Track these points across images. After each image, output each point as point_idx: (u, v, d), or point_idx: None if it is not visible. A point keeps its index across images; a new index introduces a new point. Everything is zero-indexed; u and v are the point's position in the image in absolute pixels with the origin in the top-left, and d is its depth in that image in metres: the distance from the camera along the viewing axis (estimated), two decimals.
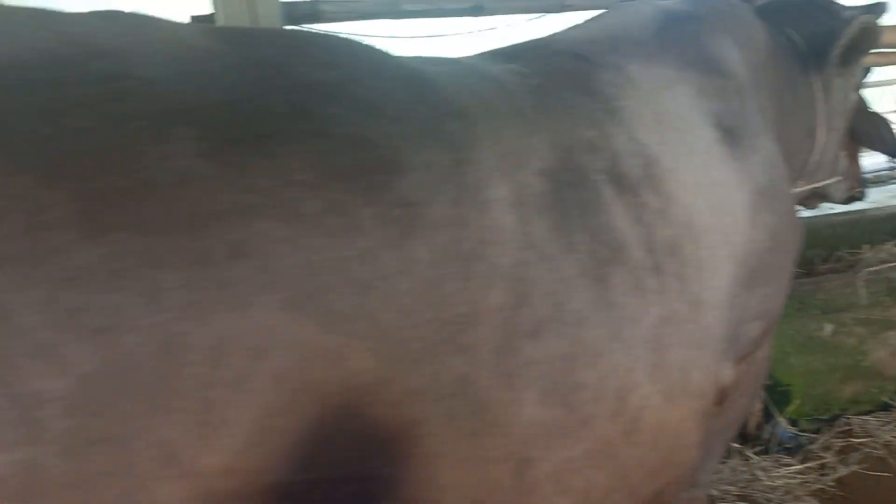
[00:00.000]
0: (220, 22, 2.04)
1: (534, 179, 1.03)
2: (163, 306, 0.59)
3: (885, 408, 3.16)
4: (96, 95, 0.64)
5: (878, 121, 2.30)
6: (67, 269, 0.56)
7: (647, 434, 1.05)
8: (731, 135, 1.55)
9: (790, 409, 3.06)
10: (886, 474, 2.78)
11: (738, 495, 2.72)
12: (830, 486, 2.74)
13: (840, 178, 2.16)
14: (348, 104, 0.82)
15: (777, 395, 3.06)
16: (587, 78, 1.40)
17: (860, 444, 2.95)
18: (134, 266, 0.59)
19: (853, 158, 2.33)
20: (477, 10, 2.30)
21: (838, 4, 2.03)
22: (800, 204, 2.17)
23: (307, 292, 0.65)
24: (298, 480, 0.61)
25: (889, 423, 3.06)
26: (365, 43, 0.99)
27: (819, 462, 2.87)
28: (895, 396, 3.18)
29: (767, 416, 3.05)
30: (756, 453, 2.93)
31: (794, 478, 2.80)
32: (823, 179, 2.07)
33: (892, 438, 2.95)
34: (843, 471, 2.81)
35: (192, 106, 0.68)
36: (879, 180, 5.06)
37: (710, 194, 1.39)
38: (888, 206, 3.81)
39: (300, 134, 0.74)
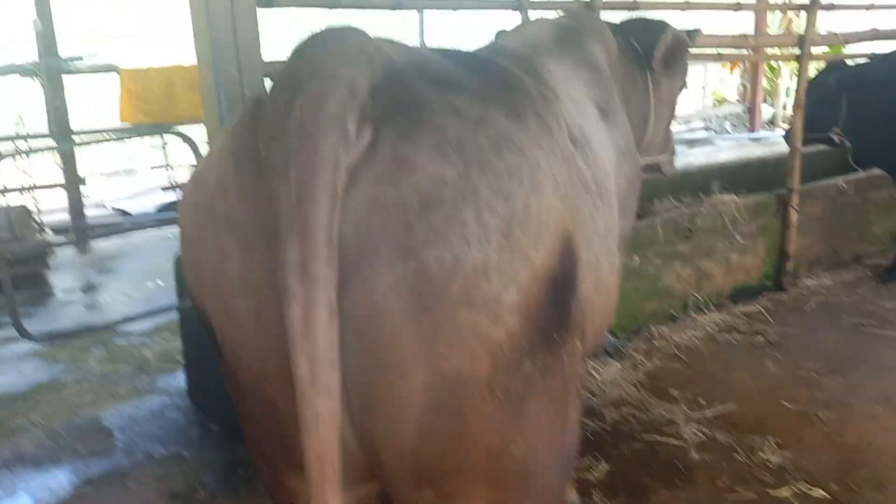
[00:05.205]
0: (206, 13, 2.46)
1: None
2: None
3: (673, 319, 4.20)
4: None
5: None
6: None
7: (604, 290, 1.73)
8: (604, 112, 2.27)
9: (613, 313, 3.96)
10: (678, 365, 3.77)
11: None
12: (642, 377, 3.68)
13: (669, 155, 3.00)
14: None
15: None
16: (538, 73, 2.04)
17: (659, 345, 3.94)
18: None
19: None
20: (397, 5, 2.88)
21: (667, 23, 2.84)
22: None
23: (557, 186, 1.25)
24: (559, 272, 1.19)
25: (677, 329, 4.09)
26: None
27: (633, 361, 3.81)
28: (680, 310, 4.23)
29: None
30: (589, 358, 3.81)
31: (617, 373, 3.71)
32: (657, 155, 2.89)
33: (680, 340, 3.97)
34: (649, 366, 3.76)
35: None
36: None
37: (604, 152, 2.10)
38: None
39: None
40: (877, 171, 4.89)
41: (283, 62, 1.20)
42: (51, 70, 6.26)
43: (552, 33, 2.37)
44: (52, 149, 6.46)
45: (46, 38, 6.26)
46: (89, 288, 5.75)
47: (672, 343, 3.95)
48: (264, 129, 1.12)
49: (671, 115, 2.98)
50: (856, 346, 3.87)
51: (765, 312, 4.29)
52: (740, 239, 4.34)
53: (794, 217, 4.47)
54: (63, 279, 5.96)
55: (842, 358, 3.73)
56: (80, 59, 6.55)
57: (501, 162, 1.13)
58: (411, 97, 1.15)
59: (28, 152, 5.15)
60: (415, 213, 1.06)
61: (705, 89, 12.88)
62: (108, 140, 5.56)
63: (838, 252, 4.91)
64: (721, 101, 13.44)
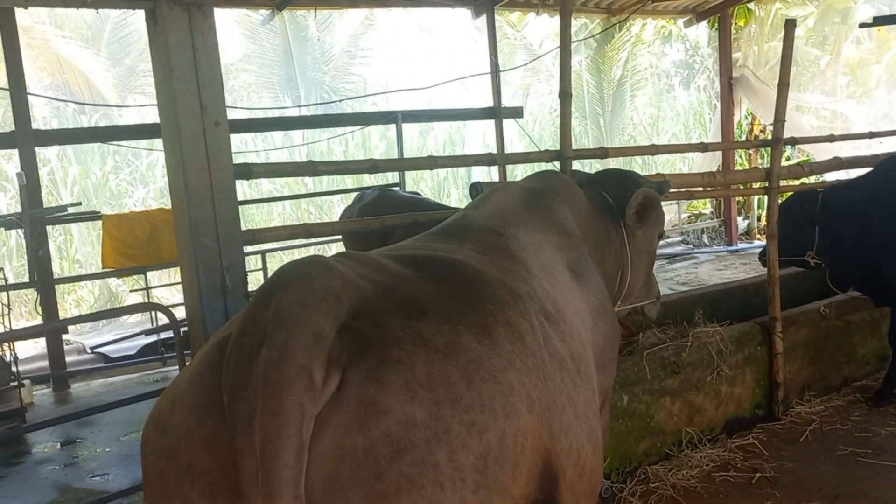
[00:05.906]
0: (185, 177, 2.50)
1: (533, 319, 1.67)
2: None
3: (668, 457, 4.10)
4: None
5: None
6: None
7: (587, 474, 1.68)
8: (576, 274, 2.29)
9: (603, 465, 3.86)
10: None
11: None
12: None
13: (654, 300, 3.01)
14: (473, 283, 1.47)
15: None
16: (507, 247, 2.06)
17: (655, 487, 3.82)
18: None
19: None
20: (373, 169, 2.94)
21: (642, 178, 2.91)
22: (622, 319, 2.98)
23: (532, 404, 1.23)
24: (539, 497, 1.16)
25: (672, 468, 3.98)
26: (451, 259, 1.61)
27: None
28: (673, 448, 4.14)
29: None
30: None
31: None
32: (639, 301, 2.90)
33: (677, 480, 3.86)
34: None
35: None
36: None
37: (579, 316, 2.09)
38: None
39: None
40: (856, 293, 4.93)
41: (250, 301, 1.20)
42: (34, 221, 6.31)
43: (521, 199, 2.41)
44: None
45: (30, 190, 6.34)
46: (68, 442, 5.57)
47: (668, 484, 3.83)
48: (228, 378, 1.10)
49: (651, 263, 3.00)
50: (854, 478, 3.78)
51: (759, 445, 4.20)
52: (728, 370, 4.31)
53: (779, 345, 4.47)
54: (41, 433, 5.78)
55: (841, 493, 3.63)
56: (65, 209, 6.62)
57: (473, 394, 1.12)
58: (378, 333, 1.15)
59: (8, 304, 5.07)
60: (385, 460, 1.03)
61: (679, 205, 13.14)
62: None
63: (826, 376, 4.88)
64: (697, 216, 13.71)
